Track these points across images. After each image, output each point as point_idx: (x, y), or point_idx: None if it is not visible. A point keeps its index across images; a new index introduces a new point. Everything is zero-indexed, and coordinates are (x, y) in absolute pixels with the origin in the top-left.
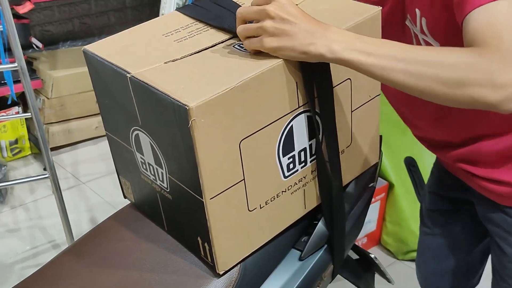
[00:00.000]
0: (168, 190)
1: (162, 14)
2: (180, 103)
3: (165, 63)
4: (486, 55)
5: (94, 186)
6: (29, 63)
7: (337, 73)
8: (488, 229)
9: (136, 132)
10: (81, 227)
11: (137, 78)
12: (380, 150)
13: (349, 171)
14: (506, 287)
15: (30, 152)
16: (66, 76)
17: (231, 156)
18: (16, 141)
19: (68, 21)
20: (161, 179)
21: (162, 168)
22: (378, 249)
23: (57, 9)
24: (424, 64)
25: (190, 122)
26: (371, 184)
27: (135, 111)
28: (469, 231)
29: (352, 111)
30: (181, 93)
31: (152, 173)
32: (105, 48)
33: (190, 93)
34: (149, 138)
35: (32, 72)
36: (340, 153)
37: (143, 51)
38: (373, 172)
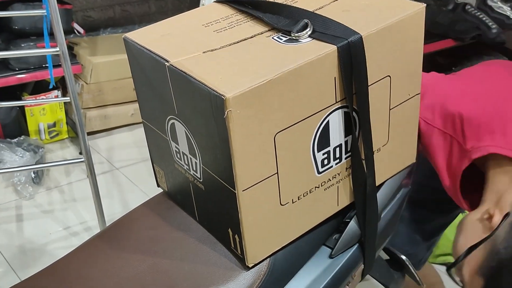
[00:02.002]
0: (201, 181)
1: (202, 5)
2: (217, 93)
3: (204, 52)
4: None
5: (127, 172)
6: (69, 48)
7: (377, 70)
8: None
9: (172, 121)
10: (114, 211)
11: (175, 67)
12: (418, 151)
13: (384, 170)
14: None
15: (67, 136)
16: (105, 63)
17: (266, 148)
18: (54, 124)
19: (110, 8)
20: (194, 169)
21: (196, 158)
22: None
23: None
24: None
25: (226, 113)
26: (407, 185)
27: (172, 100)
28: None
29: (390, 109)
30: (219, 83)
31: (186, 162)
32: (145, 36)
33: (228, 83)
34: (184, 128)
35: (72, 57)
36: (376, 151)
37: (183, 40)
38: (408, 173)
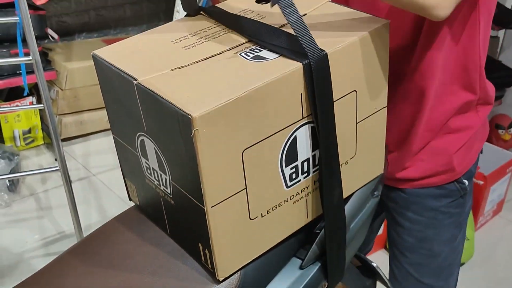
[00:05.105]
0: (171, 196)
1: (177, 11)
2: (184, 112)
3: (172, 70)
4: None
5: (104, 178)
6: (44, 53)
7: (343, 85)
8: (387, 206)
9: (141, 137)
10: (90, 219)
11: (143, 85)
12: (386, 161)
13: (352, 182)
14: (405, 260)
15: (42, 142)
16: (80, 68)
17: (234, 165)
18: (29, 131)
19: (85, 13)
20: (164, 184)
21: (166, 174)
22: (384, 252)
23: (73, 1)
24: None
25: (193, 132)
26: (375, 193)
27: (141, 117)
28: None
29: (357, 123)
30: (185, 102)
31: (156, 178)
32: (114, 53)
33: (194, 102)
34: (153, 144)
35: (47, 63)
36: (344, 164)
37: (151, 57)
38: (377, 182)
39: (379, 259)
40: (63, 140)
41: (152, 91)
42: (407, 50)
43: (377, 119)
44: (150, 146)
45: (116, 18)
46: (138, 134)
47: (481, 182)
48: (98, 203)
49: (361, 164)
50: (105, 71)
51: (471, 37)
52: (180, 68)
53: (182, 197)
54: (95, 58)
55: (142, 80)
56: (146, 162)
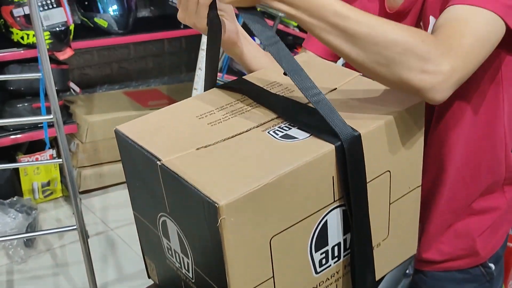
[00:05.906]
0: (193, 281)
1: (199, 68)
2: (210, 199)
3: (197, 149)
4: (431, 42)
5: (122, 233)
6: (66, 107)
7: (376, 166)
8: None
9: (163, 218)
10: (107, 276)
11: (167, 167)
12: (420, 240)
13: (384, 264)
14: None
15: (61, 194)
16: (101, 121)
17: (261, 253)
18: (48, 183)
19: (107, 65)
20: (186, 268)
21: (188, 258)
22: None
23: (96, 53)
24: (360, 36)
25: (219, 220)
26: (408, 272)
27: (164, 198)
28: None
29: (390, 203)
30: (212, 189)
31: (178, 260)
32: (137, 129)
33: (221, 188)
34: (176, 227)
35: (68, 116)
36: (376, 246)
37: (175, 135)
38: (409, 263)
39: None
40: (82, 192)
41: (176, 174)
42: None
43: (411, 198)
44: (172, 227)
45: (138, 70)
46: (160, 214)
47: (511, 245)
48: (115, 259)
49: (394, 245)
50: (128, 148)
51: (494, 115)
52: (205, 147)
53: (205, 284)
54: (118, 134)
55: (166, 161)
56: (167, 243)
